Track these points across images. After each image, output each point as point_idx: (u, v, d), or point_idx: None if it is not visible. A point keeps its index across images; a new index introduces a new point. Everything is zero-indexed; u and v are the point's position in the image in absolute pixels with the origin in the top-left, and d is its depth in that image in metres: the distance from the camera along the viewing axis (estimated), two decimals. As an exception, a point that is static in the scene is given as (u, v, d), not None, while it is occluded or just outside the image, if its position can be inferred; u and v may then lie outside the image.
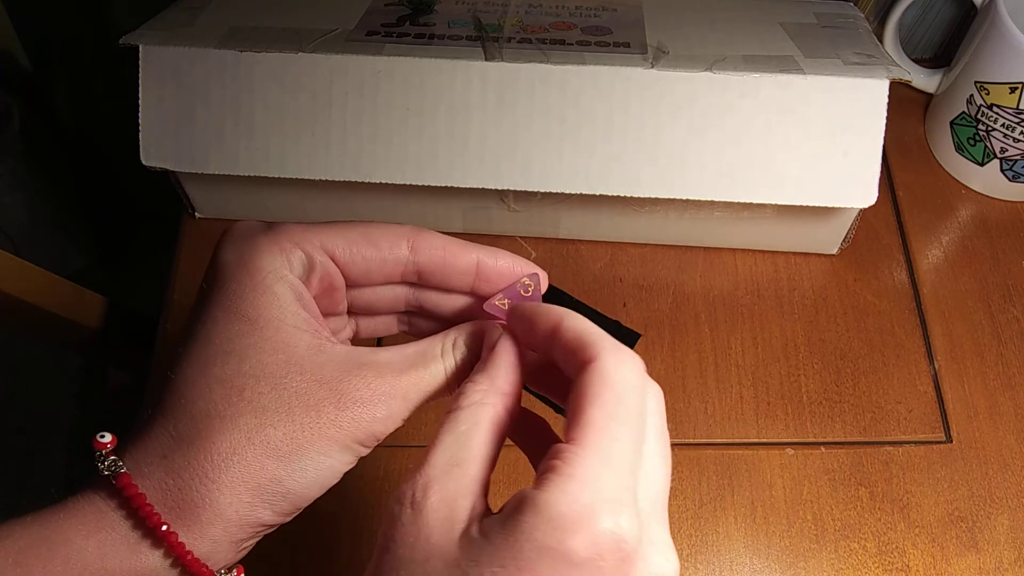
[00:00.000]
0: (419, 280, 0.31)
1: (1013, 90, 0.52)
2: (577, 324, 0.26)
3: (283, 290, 0.27)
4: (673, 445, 0.27)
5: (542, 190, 0.49)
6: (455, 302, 0.32)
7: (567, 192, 0.49)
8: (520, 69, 0.48)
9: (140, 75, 0.49)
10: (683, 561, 0.45)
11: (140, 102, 0.49)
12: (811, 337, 0.52)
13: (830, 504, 0.47)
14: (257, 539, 0.28)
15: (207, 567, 0.26)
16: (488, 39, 0.50)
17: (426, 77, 0.48)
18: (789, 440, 0.49)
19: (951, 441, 0.49)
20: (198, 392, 0.26)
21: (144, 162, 0.50)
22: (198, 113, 0.49)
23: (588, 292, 0.54)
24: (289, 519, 0.28)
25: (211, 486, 0.26)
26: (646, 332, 0.52)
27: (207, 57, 0.48)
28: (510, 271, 0.30)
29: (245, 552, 0.28)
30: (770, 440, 0.49)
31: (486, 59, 0.48)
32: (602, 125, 0.48)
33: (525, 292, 0.31)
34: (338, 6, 0.53)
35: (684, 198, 0.49)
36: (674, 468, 0.27)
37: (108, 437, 0.27)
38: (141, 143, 0.49)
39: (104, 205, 1.12)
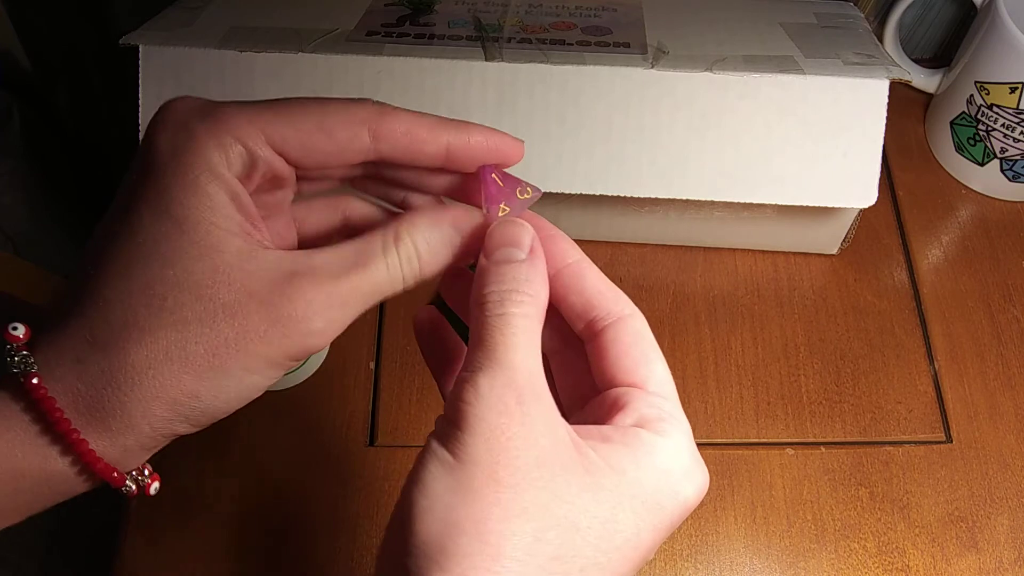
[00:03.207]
0: (382, 162, 0.28)
1: (1013, 90, 0.52)
2: (600, 275, 0.29)
3: (216, 190, 0.25)
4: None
5: (542, 190, 0.49)
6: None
7: (567, 192, 0.49)
8: (520, 69, 0.48)
9: (140, 75, 0.49)
10: (683, 561, 0.45)
11: (140, 102, 0.49)
12: (811, 337, 0.52)
13: (830, 504, 0.47)
14: (168, 442, 0.27)
15: (117, 471, 0.26)
16: (488, 39, 0.50)
17: (426, 77, 0.48)
18: (789, 440, 0.49)
19: (951, 441, 0.49)
20: (117, 296, 0.25)
21: (144, 162, 0.50)
22: (198, 113, 0.49)
23: (588, 292, 0.54)
24: (203, 428, 0.27)
25: (123, 398, 0.24)
26: (646, 332, 0.52)
27: (207, 57, 0.48)
28: (483, 148, 0.28)
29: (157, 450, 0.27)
30: (770, 440, 0.49)
31: (486, 59, 0.48)
32: (602, 125, 0.48)
33: (523, 195, 0.30)
34: (338, 6, 0.53)
35: (684, 198, 0.49)
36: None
37: (21, 330, 0.25)
38: (141, 143, 0.49)
39: (104, 205, 1.12)
